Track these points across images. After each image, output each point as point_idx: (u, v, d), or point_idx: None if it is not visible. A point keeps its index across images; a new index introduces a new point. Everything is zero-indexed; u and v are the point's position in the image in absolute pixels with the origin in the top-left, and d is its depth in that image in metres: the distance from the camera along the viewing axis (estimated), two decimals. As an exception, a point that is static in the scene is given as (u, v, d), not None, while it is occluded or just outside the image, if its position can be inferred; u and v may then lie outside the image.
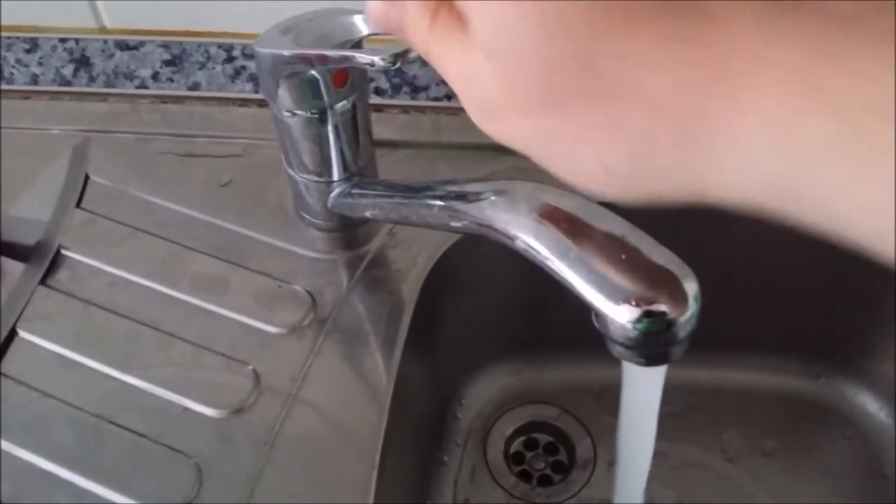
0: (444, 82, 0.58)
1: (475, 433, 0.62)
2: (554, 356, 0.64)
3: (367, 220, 0.52)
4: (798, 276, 0.60)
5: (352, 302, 0.49)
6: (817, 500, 0.60)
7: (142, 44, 0.58)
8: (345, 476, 0.41)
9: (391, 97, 0.59)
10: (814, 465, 0.62)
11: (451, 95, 0.59)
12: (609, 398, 0.65)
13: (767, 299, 0.61)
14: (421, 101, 0.59)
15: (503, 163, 0.57)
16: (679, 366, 0.65)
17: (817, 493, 0.61)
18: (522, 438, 0.63)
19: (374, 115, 0.57)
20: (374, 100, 0.58)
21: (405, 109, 0.59)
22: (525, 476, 0.61)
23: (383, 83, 0.58)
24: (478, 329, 0.60)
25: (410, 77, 0.58)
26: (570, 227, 0.28)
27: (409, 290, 0.50)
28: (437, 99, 0.59)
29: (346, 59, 0.38)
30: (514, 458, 0.62)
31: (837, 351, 0.64)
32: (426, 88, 0.58)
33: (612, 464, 0.61)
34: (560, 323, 0.63)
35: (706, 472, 0.61)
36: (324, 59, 0.40)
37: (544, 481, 0.61)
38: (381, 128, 0.57)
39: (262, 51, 0.43)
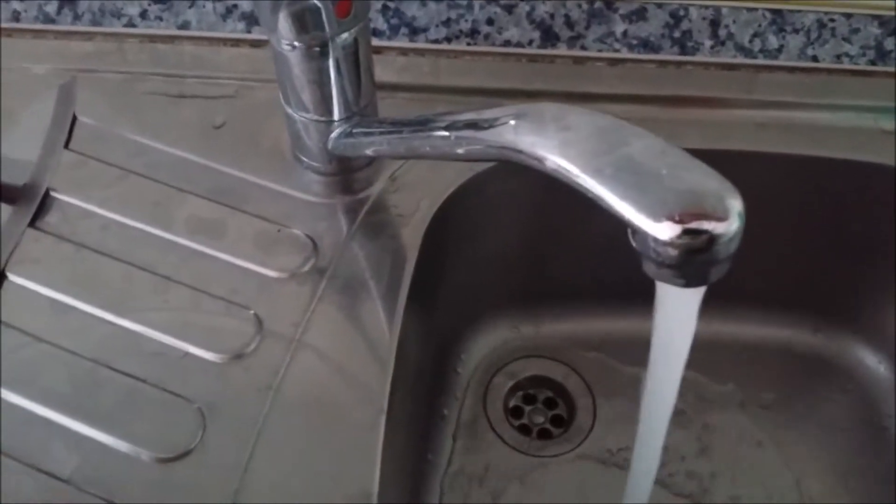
0: (444, 23, 0.56)
1: (474, 387, 0.61)
2: (554, 309, 0.63)
3: (367, 164, 0.50)
4: (796, 230, 0.59)
5: (353, 248, 0.47)
6: (816, 452, 0.60)
7: (128, -19, 0.55)
8: (353, 420, 0.40)
9: (389, 39, 0.57)
10: (812, 418, 0.62)
11: (450, 38, 0.57)
12: (609, 352, 0.65)
13: (766, 253, 0.60)
14: (420, 44, 0.57)
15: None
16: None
17: (816, 446, 0.60)
18: (521, 393, 0.62)
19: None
20: (372, 41, 0.56)
21: (403, 52, 0.57)
22: (524, 430, 0.60)
23: (381, 24, 0.56)
24: (479, 279, 0.59)
25: (409, 18, 0.56)
26: (603, 144, 0.26)
27: (412, 236, 0.48)
28: (436, 41, 0.57)
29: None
30: (514, 413, 0.61)
31: (836, 305, 0.63)
32: (425, 30, 0.56)
33: (611, 419, 0.61)
34: (561, 275, 0.62)
35: (708, 426, 0.61)
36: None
37: (543, 435, 0.60)
38: (379, 70, 0.54)
39: (263, -22, 0.41)
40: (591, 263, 0.60)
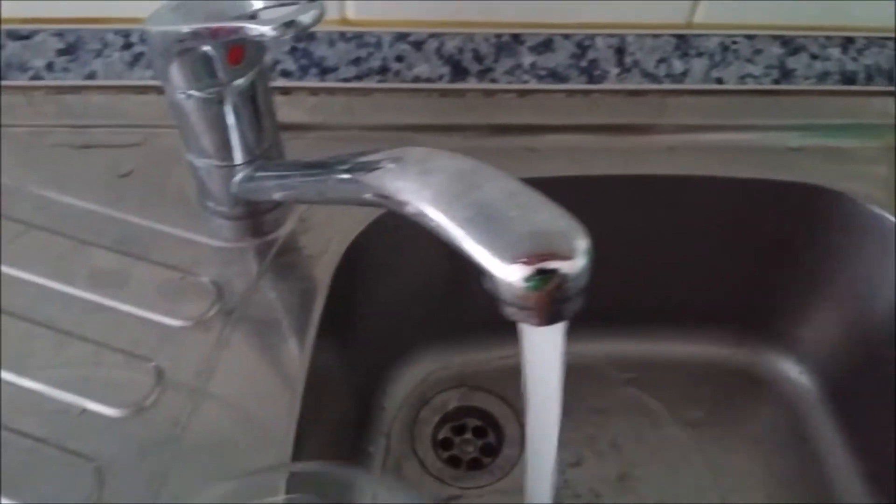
0: (353, 62, 0.57)
1: (401, 422, 0.61)
2: (477, 339, 0.63)
3: (275, 206, 0.50)
4: (713, 248, 0.60)
5: (261, 290, 0.47)
6: (743, 467, 0.61)
7: (35, 32, 0.55)
8: (256, 468, 0.39)
9: (299, 79, 0.57)
10: (739, 433, 0.63)
11: (360, 76, 0.57)
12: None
13: (684, 273, 0.62)
14: (330, 83, 0.57)
15: (418, 143, 0.56)
16: (607, 341, 0.65)
17: (744, 460, 0.61)
18: (450, 425, 0.62)
19: (281, 98, 0.56)
20: (281, 82, 0.57)
21: (314, 91, 0.57)
22: (454, 461, 0.60)
23: (290, 65, 0.57)
24: (398, 315, 0.59)
25: (318, 58, 0.56)
26: (460, 188, 0.27)
27: (322, 275, 0.48)
28: (346, 80, 0.57)
29: (235, 30, 0.37)
30: (443, 444, 0.61)
31: (757, 319, 0.64)
32: (335, 69, 0.57)
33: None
34: (482, 305, 0.62)
35: (637, 445, 0.61)
36: (214, 33, 0.38)
37: (474, 465, 0.60)
38: (290, 110, 0.55)
39: (152, 29, 0.41)
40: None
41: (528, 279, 0.24)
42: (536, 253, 0.24)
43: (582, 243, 0.25)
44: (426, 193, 0.28)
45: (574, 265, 0.24)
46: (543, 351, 0.27)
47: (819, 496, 0.59)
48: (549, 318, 0.25)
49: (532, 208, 0.25)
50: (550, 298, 0.25)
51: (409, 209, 0.28)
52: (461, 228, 0.26)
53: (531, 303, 0.25)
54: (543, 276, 0.24)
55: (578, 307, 0.26)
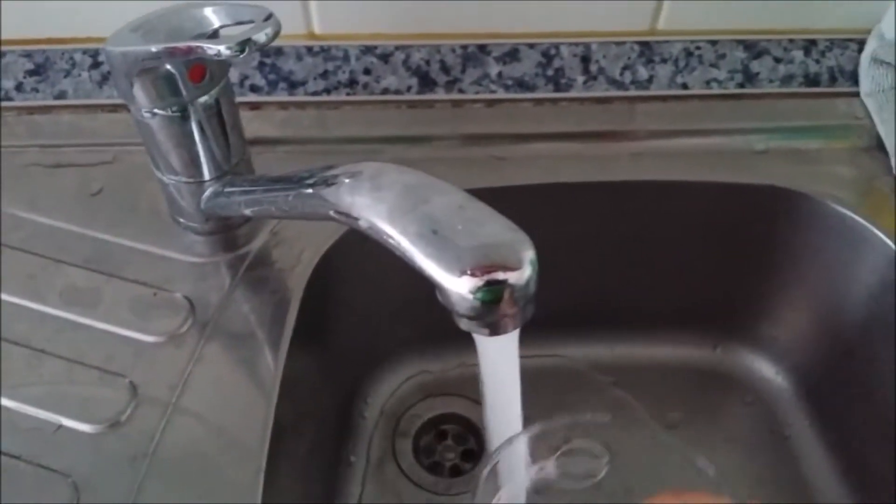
0: (322, 76, 0.57)
1: (382, 430, 0.62)
2: (456, 345, 0.64)
3: (246, 220, 0.51)
4: (689, 250, 0.61)
5: (234, 304, 0.47)
6: (721, 468, 0.61)
7: (2, 54, 0.56)
8: (229, 482, 0.40)
9: (268, 94, 0.57)
10: (717, 433, 0.63)
11: (329, 89, 0.58)
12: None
13: (661, 275, 0.62)
14: (300, 97, 0.58)
15: (388, 154, 0.56)
16: (584, 345, 0.66)
17: (722, 459, 0.62)
18: (431, 432, 0.63)
19: (251, 114, 0.56)
20: (251, 97, 0.57)
21: (283, 105, 0.58)
22: (436, 468, 0.61)
23: (259, 80, 0.57)
24: (374, 324, 0.59)
25: (286, 72, 0.57)
26: (409, 202, 0.27)
27: (294, 288, 0.49)
28: (316, 93, 0.58)
29: (192, 50, 0.37)
30: (425, 452, 0.62)
31: (731, 320, 0.65)
32: (304, 83, 0.57)
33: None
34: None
35: (612, 448, 0.62)
36: (172, 52, 0.39)
37: (454, 472, 0.61)
38: (259, 125, 0.56)
39: (113, 49, 0.41)
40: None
41: (476, 291, 0.25)
42: (484, 265, 0.25)
43: (528, 253, 0.25)
44: (379, 208, 0.28)
45: (521, 275, 0.25)
46: (498, 360, 0.27)
47: (796, 494, 0.60)
48: (500, 328, 0.26)
49: (479, 221, 0.26)
50: (500, 309, 0.25)
51: (362, 224, 0.29)
52: (412, 244, 0.27)
53: (481, 314, 0.25)
54: (491, 287, 0.25)
55: (529, 316, 0.26)
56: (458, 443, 0.62)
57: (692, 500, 0.27)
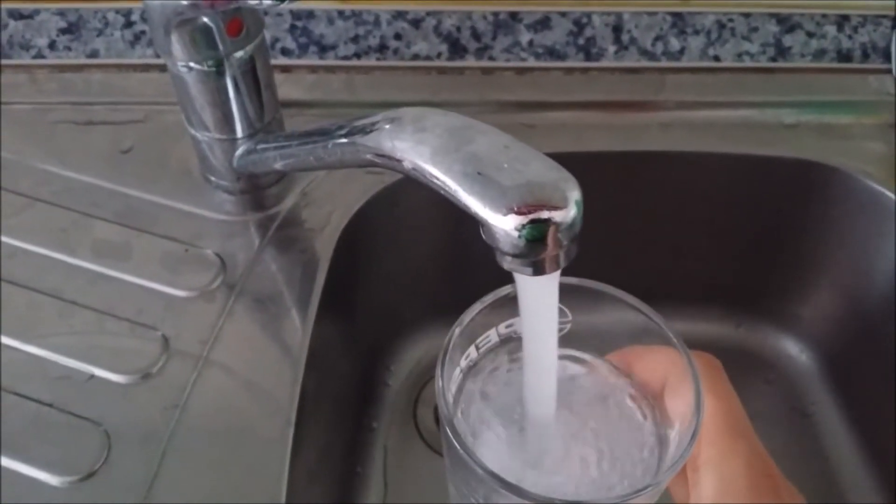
0: (353, 40, 0.57)
1: (404, 398, 0.62)
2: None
3: (277, 180, 0.51)
4: (715, 225, 0.60)
5: (263, 263, 0.48)
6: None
7: (36, 12, 0.56)
8: (260, 434, 0.40)
9: (298, 57, 0.57)
10: (741, 410, 0.63)
11: (359, 54, 0.58)
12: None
13: (686, 249, 0.62)
14: (329, 61, 0.58)
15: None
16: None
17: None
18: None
19: (281, 76, 0.56)
20: (281, 60, 0.57)
21: (313, 69, 0.58)
22: (457, 437, 0.61)
23: (290, 42, 0.57)
24: (401, 290, 0.59)
25: (317, 36, 0.57)
26: (452, 142, 0.27)
27: (323, 248, 0.49)
28: (346, 58, 0.58)
29: None
30: (446, 420, 0.61)
31: (756, 297, 0.65)
32: (334, 47, 0.57)
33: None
34: (486, 282, 0.62)
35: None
36: (213, 3, 0.39)
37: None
38: (289, 88, 0.56)
39: (152, 2, 0.41)
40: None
41: (521, 228, 0.25)
42: (529, 203, 0.25)
43: (574, 193, 0.25)
44: (421, 150, 0.28)
45: (566, 214, 0.25)
46: (538, 301, 0.27)
47: (818, 471, 0.60)
48: (543, 268, 0.26)
49: (524, 160, 0.26)
50: (544, 248, 0.25)
51: (406, 165, 0.29)
52: (456, 182, 0.27)
53: (525, 252, 0.25)
54: (537, 224, 0.25)
55: (572, 257, 0.26)
56: (479, 412, 0.62)
57: (652, 355, 0.29)
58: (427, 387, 0.63)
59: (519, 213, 0.25)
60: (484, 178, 0.26)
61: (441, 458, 0.58)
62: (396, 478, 0.58)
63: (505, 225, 0.25)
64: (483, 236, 0.27)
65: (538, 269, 0.26)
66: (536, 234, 0.25)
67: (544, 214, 0.25)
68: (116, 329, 0.43)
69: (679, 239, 0.61)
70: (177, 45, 0.43)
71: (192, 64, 0.43)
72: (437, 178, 0.27)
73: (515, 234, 0.25)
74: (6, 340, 0.43)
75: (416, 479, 0.58)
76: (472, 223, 0.58)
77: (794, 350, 0.64)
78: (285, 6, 0.36)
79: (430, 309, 0.62)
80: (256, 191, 0.51)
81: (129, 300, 0.45)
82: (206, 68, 0.43)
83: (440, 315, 0.63)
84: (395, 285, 0.58)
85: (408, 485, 0.57)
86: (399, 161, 0.29)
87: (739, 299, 0.65)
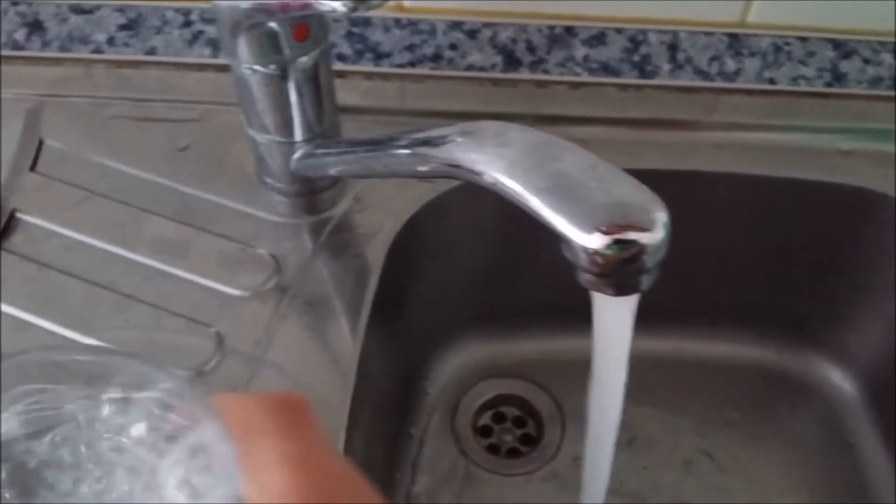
0: (408, 48, 0.58)
1: (442, 406, 0.62)
2: (522, 328, 0.64)
3: (331, 184, 0.51)
4: (762, 248, 0.60)
5: (316, 267, 0.48)
6: (780, 470, 0.61)
7: (97, 7, 0.56)
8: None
9: (354, 63, 0.58)
10: (778, 436, 0.62)
11: (414, 62, 0.58)
12: (578, 371, 0.65)
13: (732, 272, 0.62)
14: (384, 68, 0.58)
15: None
16: (645, 337, 0.66)
17: (782, 463, 0.61)
18: (491, 412, 0.63)
19: (336, 81, 0.56)
20: (337, 65, 0.57)
21: (368, 76, 0.58)
22: (493, 449, 0.61)
23: (346, 49, 0.57)
24: (446, 298, 0.59)
25: (373, 43, 0.57)
26: (537, 159, 0.27)
27: (375, 255, 0.49)
28: (400, 66, 0.58)
29: (306, 6, 0.38)
30: (482, 432, 0.61)
31: (801, 323, 0.64)
32: (389, 55, 0.58)
33: (580, 438, 0.61)
34: (529, 294, 0.62)
35: (672, 444, 0.61)
36: (284, 8, 0.39)
37: (512, 454, 0.61)
38: (344, 93, 0.56)
39: (221, 3, 0.41)
40: (559, 281, 0.61)
41: (607, 248, 0.25)
42: (617, 223, 0.25)
43: (662, 216, 0.25)
44: (502, 164, 0.28)
45: (653, 237, 0.25)
46: (615, 322, 0.27)
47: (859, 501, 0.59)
48: (624, 289, 0.26)
49: (612, 180, 0.26)
50: (628, 269, 0.25)
51: (487, 178, 0.29)
52: (541, 197, 0.27)
53: (609, 271, 0.25)
54: (623, 245, 0.25)
55: (654, 280, 0.26)
56: (516, 426, 0.62)
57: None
58: (465, 395, 0.62)
59: (607, 232, 0.25)
60: (571, 195, 0.26)
61: (478, 466, 0.58)
62: (430, 486, 0.58)
63: (591, 243, 0.25)
64: (564, 253, 0.27)
65: (621, 290, 0.26)
66: (623, 256, 0.25)
67: (631, 235, 0.25)
68: (172, 325, 0.44)
69: (725, 259, 0.61)
70: (243, 48, 0.43)
71: (256, 66, 0.43)
72: (521, 194, 0.27)
73: (600, 253, 0.25)
74: (63, 331, 0.43)
75: (451, 488, 0.58)
76: (519, 238, 0.58)
77: (837, 378, 0.64)
78: (360, 13, 0.36)
79: (476, 317, 0.62)
80: (311, 194, 0.51)
81: (185, 297, 0.45)
82: (270, 71, 0.44)
83: (485, 323, 0.64)
84: (442, 293, 0.58)
85: (441, 493, 0.58)
86: (479, 174, 0.29)
87: (783, 324, 0.64)
